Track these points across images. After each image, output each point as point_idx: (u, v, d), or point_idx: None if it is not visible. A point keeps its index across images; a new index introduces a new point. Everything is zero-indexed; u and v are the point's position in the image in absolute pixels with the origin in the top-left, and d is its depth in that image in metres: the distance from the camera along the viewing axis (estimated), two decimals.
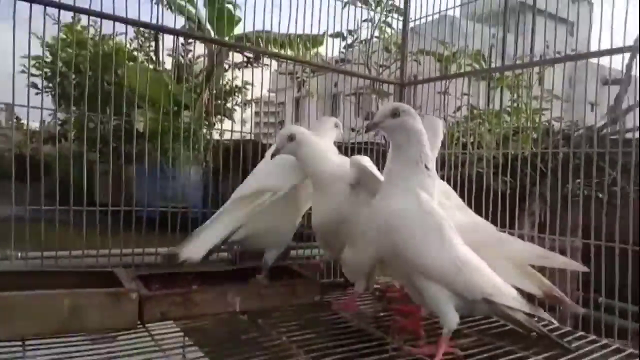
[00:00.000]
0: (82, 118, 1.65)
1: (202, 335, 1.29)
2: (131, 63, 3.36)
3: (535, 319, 1.31)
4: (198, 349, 1.20)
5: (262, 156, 1.91)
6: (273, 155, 1.48)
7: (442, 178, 2.03)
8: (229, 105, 3.06)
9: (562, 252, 1.73)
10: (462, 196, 1.84)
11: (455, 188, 1.94)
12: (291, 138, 1.45)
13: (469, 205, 1.81)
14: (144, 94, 2.05)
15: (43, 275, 1.44)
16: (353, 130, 2.47)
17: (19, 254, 1.58)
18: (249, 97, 3.63)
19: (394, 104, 1.27)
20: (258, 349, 1.21)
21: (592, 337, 1.46)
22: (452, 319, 1.20)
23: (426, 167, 1.23)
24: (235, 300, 1.38)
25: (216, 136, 2.37)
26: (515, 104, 2.61)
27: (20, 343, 1.13)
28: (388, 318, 1.53)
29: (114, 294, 1.23)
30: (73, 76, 2.82)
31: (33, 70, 2.23)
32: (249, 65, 3.22)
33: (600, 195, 1.93)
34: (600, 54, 1.70)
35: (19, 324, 1.14)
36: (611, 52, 1.63)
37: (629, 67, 2.12)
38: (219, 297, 1.36)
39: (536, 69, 2.36)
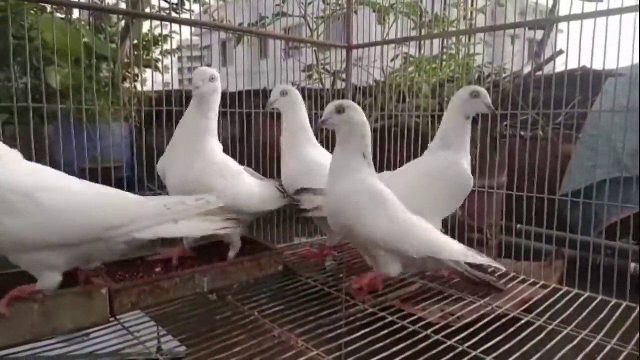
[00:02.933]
0: None
1: (175, 322, 1.33)
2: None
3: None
4: (174, 339, 1.23)
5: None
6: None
7: (383, 128, 2.12)
8: (153, 54, 2.83)
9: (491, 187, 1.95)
10: (400, 145, 2.00)
11: (393, 137, 2.07)
12: None
13: (408, 153, 1.97)
14: (58, 47, 1.85)
15: None
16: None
17: None
18: (173, 46, 3.39)
19: (338, 102, 1.36)
20: (234, 328, 1.27)
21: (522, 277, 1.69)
22: (394, 270, 1.41)
23: (364, 155, 1.37)
24: (203, 281, 1.40)
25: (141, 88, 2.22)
26: (445, 50, 2.68)
27: None
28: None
29: (85, 293, 1.20)
30: None
31: None
32: (172, 11, 2.98)
33: (523, 134, 2.13)
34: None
35: None
36: None
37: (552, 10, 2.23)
38: (186, 280, 1.37)
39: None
